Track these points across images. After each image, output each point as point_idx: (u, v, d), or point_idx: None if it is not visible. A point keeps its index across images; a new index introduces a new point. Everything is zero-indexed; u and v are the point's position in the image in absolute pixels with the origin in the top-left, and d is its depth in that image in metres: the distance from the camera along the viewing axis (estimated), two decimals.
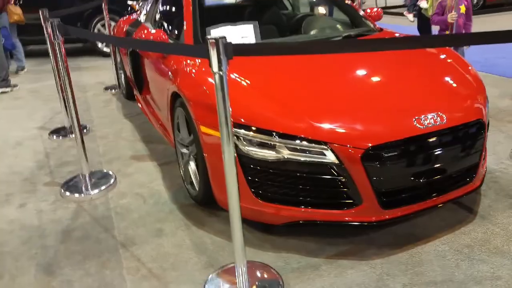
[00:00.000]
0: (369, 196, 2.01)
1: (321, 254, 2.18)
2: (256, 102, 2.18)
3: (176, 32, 3.30)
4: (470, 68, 2.59)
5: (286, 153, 2.06)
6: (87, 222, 2.61)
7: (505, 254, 2.11)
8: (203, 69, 2.52)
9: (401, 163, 2.01)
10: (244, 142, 2.13)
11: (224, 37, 1.57)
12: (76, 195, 2.90)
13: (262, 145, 2.10)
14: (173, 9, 3.76)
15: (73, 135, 3.91)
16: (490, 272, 2.00)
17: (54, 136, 4.00)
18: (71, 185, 3.03)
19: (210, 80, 2.41)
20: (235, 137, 2.14)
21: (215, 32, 2.92)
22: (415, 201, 2.11)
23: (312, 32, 3.33)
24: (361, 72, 2.46)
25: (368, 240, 2.26)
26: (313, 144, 2.01)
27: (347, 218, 2.07)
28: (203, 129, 2.28)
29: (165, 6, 4.04)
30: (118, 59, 5.07)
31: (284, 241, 2.30)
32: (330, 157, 2.00)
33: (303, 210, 2.11)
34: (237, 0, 4.39)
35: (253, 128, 2.11)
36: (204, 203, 2.61)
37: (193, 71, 2.57)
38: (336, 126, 2.03)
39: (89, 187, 2.96)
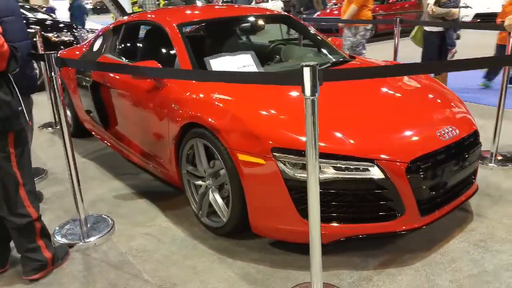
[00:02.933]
0: (411, 205, 2.20)
1: (367, 266, 2.31)
2: (300, 127, 2.25)
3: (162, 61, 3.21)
4: (449, 89, 2.99)
5: (331, 173, 2.16)
6: (105, 271, 2.38)
7: None
8: (227, 97, 2.52)
9: (435, 171, 2.25)
10: (290, 166, 2.19)
11: (317, 64, 1.64)
12: (76, 243, 2.62)
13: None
14: (152, 39, 3.68)
15: (39, 178, 3.57)
16: (510, 259, 2.31)
17: None
18: (65, 233, 2.73)
19: (239, 107, 2.43)
20: (279, 162, 2.19)
21: (215, 62, 2.93)
22: (443, 205, 2.36)
23: (291, 61, 3.50)
24: (383, 95, 2.69)
25: (400, 248, 2.44)
26: (359, 162, 2.15)
27: (392, 229, 2.23)
28: (241, 157, 2.28)
29: (132, 37, 3.92)
30: None
31: (327, 259, 2.36)
32: (375, 172, 2.15)
33: (351, 226, 2.22)
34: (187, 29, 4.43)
35: (299, 151, 2.18)
36: (230, 234, 2.57)
37: (215, 99, 2.54)
38: (380, 143, 2.21)
39: (86, 233, 2.70)
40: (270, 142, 2.20)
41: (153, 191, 3.32)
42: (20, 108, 2.18)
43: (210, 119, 2.44)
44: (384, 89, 2.74)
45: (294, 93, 2.58)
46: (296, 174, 2.17)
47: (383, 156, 2.15)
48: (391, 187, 2.16)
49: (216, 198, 2.58)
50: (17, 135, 2.16)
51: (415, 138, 2.30)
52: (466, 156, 2.43)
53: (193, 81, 2.77)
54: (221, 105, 2.48)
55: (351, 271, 2.27)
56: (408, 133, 2.31)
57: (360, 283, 2.18)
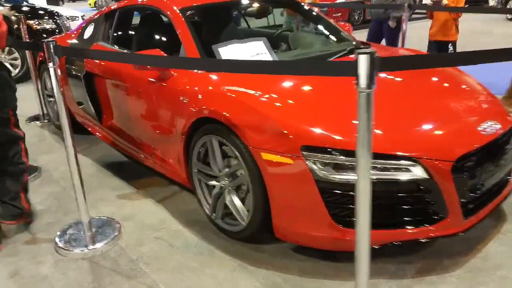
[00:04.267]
0: (455, 207, 2.01)
1: (404, 274, 2.12)
2: (332, 123, 2.04)
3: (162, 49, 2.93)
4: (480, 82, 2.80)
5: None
6: (117, 281, 2.15)
7: None
8: (246, 89, 2.28)
9: (480, 170, 2.07)
10: (321, 166, 1.97)
11: (375, 51, 1.41)
12: (80, 250, 2.37)
13: (341, 167, 1.97)
14: (149, 26, 3.39)
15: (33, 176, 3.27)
16: None
17: None
18: (68, 238, 2.48)
19: (261, 100, 2.20)
20: (310, 161, 1.97)
21: (224, 49, 2.67)
22: (484, 205, 2.18)
23: (300, 48, 3.25)
24: (418, 88, 2.48)
25: (435, 253, 2.25)
26: (400, 161, 1.95)
27: (434, 234, 2.03)
28: (265, 156, 2.05)
29: (127, 24, 3.63)
30: (49, 85, 4.37)
31: None
32: (418, 172, 1.95)
33: (389, 232, 2.03)
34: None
35: (331, 150, 1.96)
36: (249, 238, 2.34)
37: (231, 91, 2.30)
38: (422, 141, 2.01)
39: (92, 238, 2.45)
40: (298, 140, 1.98)
41: (158, 189, 3.07)
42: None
43: (227, 114, 2.19)
44: (419, 82, 2.52)
45: (323, 85, 2.36)
46: (328, 175, 1.96)
47: (426, 154, 1.95)
48: (435, 188, 1.96)
49: (233, 200, 2.35)
50: (13, 109, 2.53)
51: (458, 134, 2.10)
52: (507, 152, 2.25)
53: (200, 72, 2.52)
54: (239, 98, 2.23)
55: (387, 280, 2.08)
56: (450, 129, 2.11)
57: None
